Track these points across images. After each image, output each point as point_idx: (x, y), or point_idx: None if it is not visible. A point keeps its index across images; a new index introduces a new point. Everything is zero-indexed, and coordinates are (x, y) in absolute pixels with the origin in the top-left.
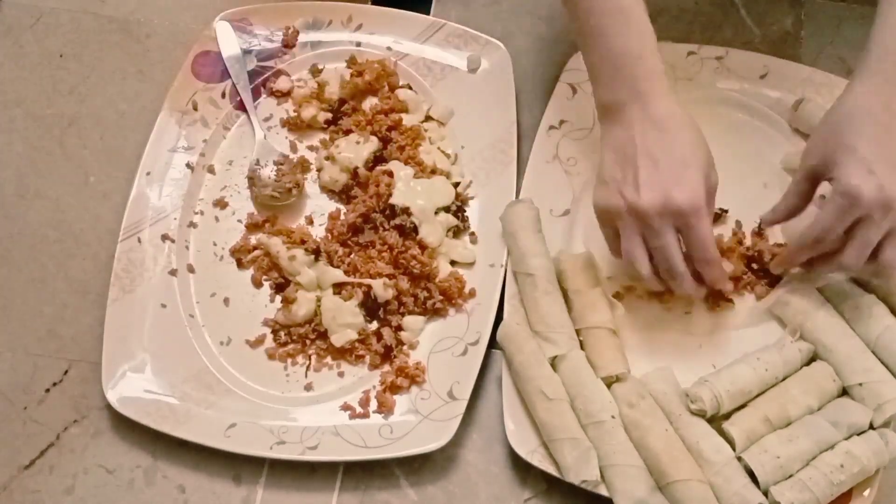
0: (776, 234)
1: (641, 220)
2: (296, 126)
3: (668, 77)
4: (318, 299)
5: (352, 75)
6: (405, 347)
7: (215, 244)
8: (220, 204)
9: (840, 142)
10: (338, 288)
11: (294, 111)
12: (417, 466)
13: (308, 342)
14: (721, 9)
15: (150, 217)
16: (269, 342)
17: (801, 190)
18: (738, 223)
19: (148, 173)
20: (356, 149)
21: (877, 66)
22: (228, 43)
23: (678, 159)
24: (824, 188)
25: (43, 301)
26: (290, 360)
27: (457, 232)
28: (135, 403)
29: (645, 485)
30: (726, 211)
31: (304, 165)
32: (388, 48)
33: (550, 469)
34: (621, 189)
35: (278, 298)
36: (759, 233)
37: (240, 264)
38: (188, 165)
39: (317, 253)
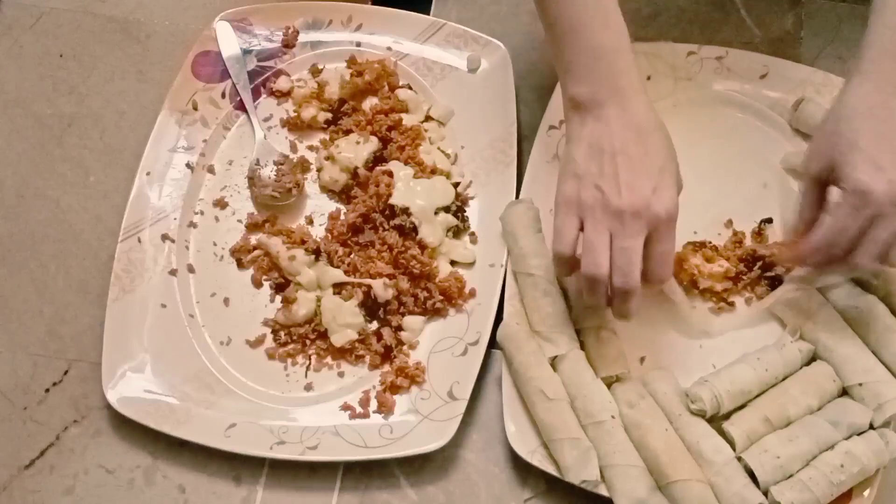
0: (775, 234)
1: (616, 219)
2: (296, 126)
3: (640, 75)
4: (318, 299)
5: (352, 75)
6: (405, 347)
7: (215, 244)
8: (220, 204)
9: (842, 142)
10: (338, 288)
11: (294, 111)
12: (417, 466)
13: (308, 342)
14: (721, 9)
15: (150, 217)
16: (269, 342)
17: (812, 200)
18: (730, 221)
19: (148, 173)
20: (356, 149)
21: (872, 65)
22: (228, 43)
23: (657, 164)
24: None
25: (43, 301)
26: (290, 360)
27: (457, 232)
28: (135, 403)
29: (645, 485)
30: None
31: (304, 165)
32: (388, 48)
33: (550, 469)
34: (598, 183)
35: (278, 298)
36: (758, 233)
37: (240, 264)
38: (188, 165)
39: (317, 253)
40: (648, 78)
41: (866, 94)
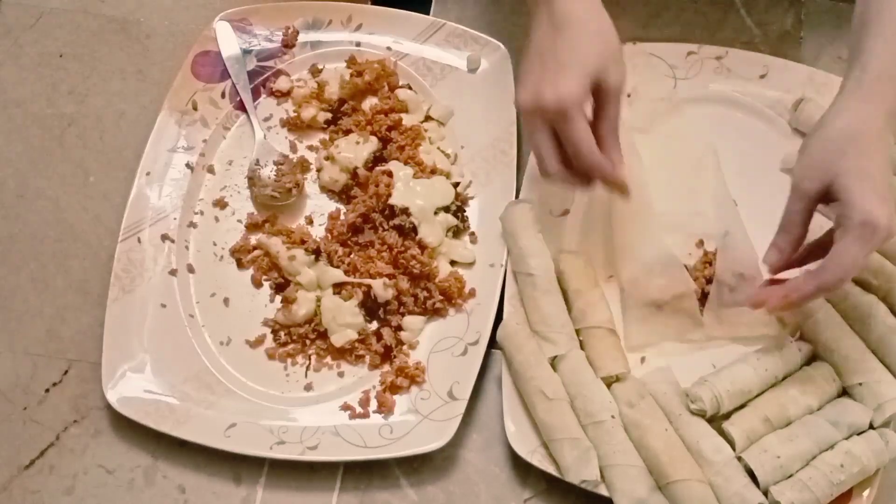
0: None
1: (525, 118)
2: (296, 126)
3: None
4: (318, 299)
5: (352, 75)
6: (405, 347)
7: (215, 244)
8: (220, 204)
9: (849, 166)
10: (338, 288)
11: (294, 111)
12: (417, 466)
13: (308, 342)
14: (721, 9)
15: (150, 217)
16: (269, 342)
17: (801, 219)
18: (701, 241)
19: (148, 173)
20: (356, 149)
21: (873, 87)
22: (228, 43)
23: (559, 59)
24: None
25: (43, 301)
26: (290, 360)
27: (457, 232)
28: (135, 403)
29: (645, 485)
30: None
31: (303, 165)
32: (388, 48)
33: (550, 469)
34: (516, 87)
35: (278, 298)
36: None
37: (240, 264)
38: (188, 165)
39: (317, 253)
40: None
41: (869, 117)
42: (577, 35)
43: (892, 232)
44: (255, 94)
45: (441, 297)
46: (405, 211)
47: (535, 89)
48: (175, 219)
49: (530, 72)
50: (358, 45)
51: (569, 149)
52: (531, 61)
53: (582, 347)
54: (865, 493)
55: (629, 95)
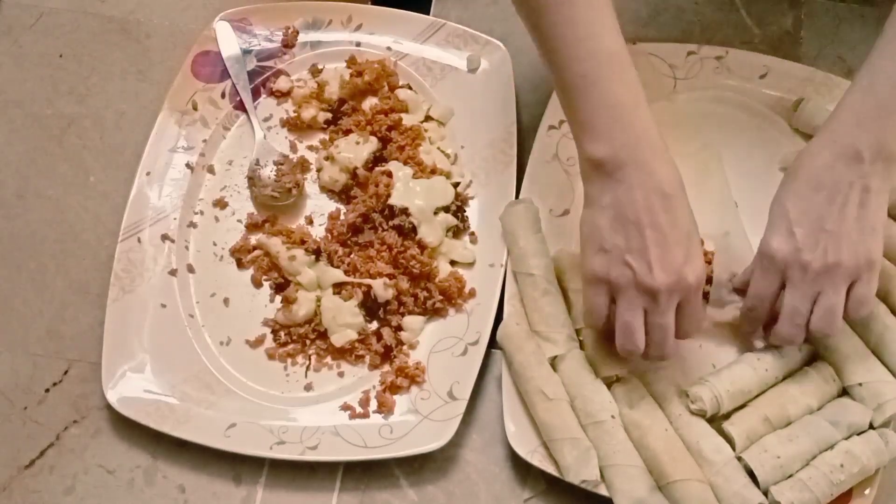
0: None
1: (650, 296)
2: (296, 126)
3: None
4: (318, 299)
5: (351, 75)
6: (405, 347)
7: (215, 244)
8: (220, 204)
9: (779, 199)
10: (338, 288)
11: (294, 111)
12: (417, 466)
13: (308, 342)
14: (721, 9)
15: (150, 217)
16: (269, 342)
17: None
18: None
19: (148, 173)
20: (356, 149)
21: (834, 126)
22: (228, 43)
23: (684, 232)
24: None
25: (43, 301)
26: (290, 360)
27: (457, 232)
28: (135, 403)
29: (645, 485)
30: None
31: (303, 165)
32: (388, 48)
33: (550, 469)
34: (627, 259)
35: (278, 298)
36: None
37: (240, 264)
38: (188, 165)
39: (317, 253)
40: (648, 78)
41: (818, 155)
42: (686, 202)
43: (802, 264)
44: (255, 94)
45: (441, 297)
46: (405, 211)
47: (673, 266)
48: (175, 219)
49: (653, 246)
50: (358, 45)
51: (690, 323)
52: (633, 229)
53: (582, 347)
54: (866, 492)
55: None
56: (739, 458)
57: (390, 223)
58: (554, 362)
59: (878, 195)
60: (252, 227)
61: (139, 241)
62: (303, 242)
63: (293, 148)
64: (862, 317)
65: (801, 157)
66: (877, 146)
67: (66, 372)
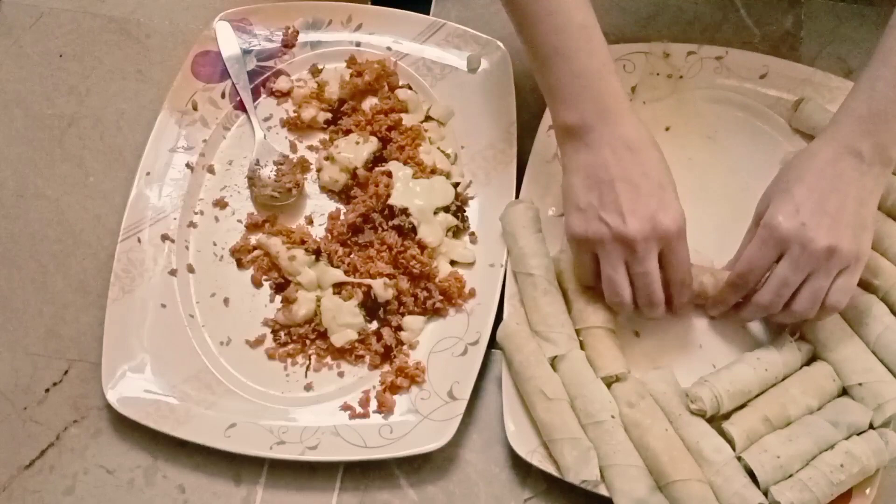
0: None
1: (627, 247)
2: (296, 126)
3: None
4: (318, 299)
5: (352, 75)
6: (405, 347)
7: (215, 244)
8: (220, 204)
9: (780, 186)
10: (338, 288)
11: (294, 111)
12: (417, 466)
13: (308, 342)
14: (721, 9)
15: (150, 217)
16: (269, 342)
17: (748, 240)
18: None
19: (148, 173)
20: (356, 149)
21: (838, 128)
22: (228, 43)
23: (656, 181)
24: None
25: (43, 301)
26: (290, 360)
27: (457, 232)
28: (135, 403)
29: (645, 485)
30: None
31: (303, 165)
32: (388, 48)
33: (550, 469)
34: (602, 215)
35: (278, 298)
36: None
37: (240, 264)
38: (188, 165)
39: (317, 253)
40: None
41: (821, 151)
42: (656, 155)
43: (804, 240)
44: (255, 94)
45: (441, 297)
46: (405, 211)
47: (646, 214)
48: (175, 219)
49: (625, 198)
50: (358, 45)
51: (675, 271)
52: (605, 186)
53: (582, 347)
54: (866, 492)
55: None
56: (739, 458)
57: (390, 223)
58: (554, 362)
59: (871, 195)
60: (252, 227)
61: (139, 241)
62: (303, 242)
63: (293, 148)
64: (837, 309)
65: (801, 153)
66: (876, 149)
67: (66, 372)
